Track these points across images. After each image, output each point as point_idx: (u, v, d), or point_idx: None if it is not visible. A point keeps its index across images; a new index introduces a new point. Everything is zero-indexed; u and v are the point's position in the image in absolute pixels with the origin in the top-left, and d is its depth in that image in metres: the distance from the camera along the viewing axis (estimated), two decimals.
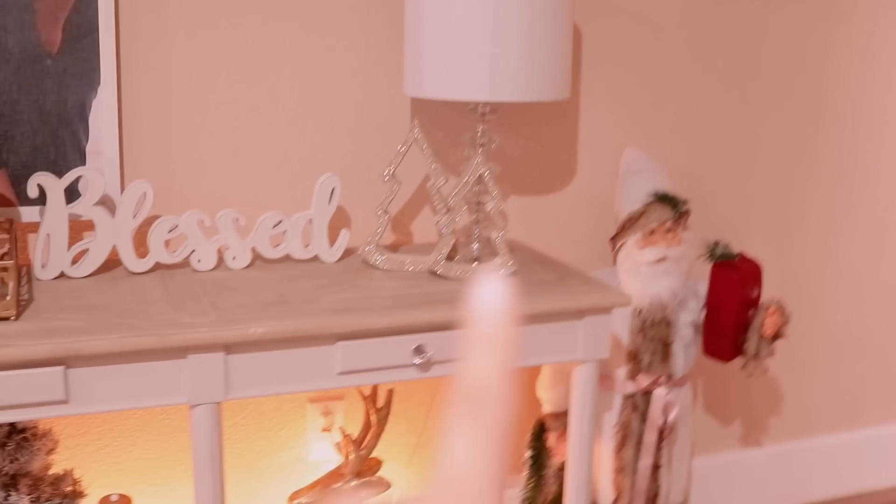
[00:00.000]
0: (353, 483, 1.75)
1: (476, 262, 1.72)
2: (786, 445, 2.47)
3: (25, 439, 1.49)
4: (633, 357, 1.89)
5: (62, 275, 1.56)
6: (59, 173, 1.55)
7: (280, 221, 1.68)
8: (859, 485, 2.57)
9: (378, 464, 1.81)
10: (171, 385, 1.37)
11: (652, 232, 1.83)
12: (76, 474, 1.58)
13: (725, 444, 2.41)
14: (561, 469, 1.93)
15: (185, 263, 1.65)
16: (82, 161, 1.65)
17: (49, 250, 1.55)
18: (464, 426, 0.32)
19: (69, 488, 1.56)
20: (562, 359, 1.65)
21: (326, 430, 1.89)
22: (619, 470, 1.92)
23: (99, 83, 1.64)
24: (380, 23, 1.84)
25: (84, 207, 1.56)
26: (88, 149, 1.66)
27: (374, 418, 1.75)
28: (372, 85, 1.86)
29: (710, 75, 2.17)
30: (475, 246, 1.76)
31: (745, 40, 2.18)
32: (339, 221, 1.79)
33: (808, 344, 2.42)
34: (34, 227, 1.60)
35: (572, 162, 2.07)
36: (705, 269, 1.95)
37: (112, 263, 1.61)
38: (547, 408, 1.95)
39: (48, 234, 1.54)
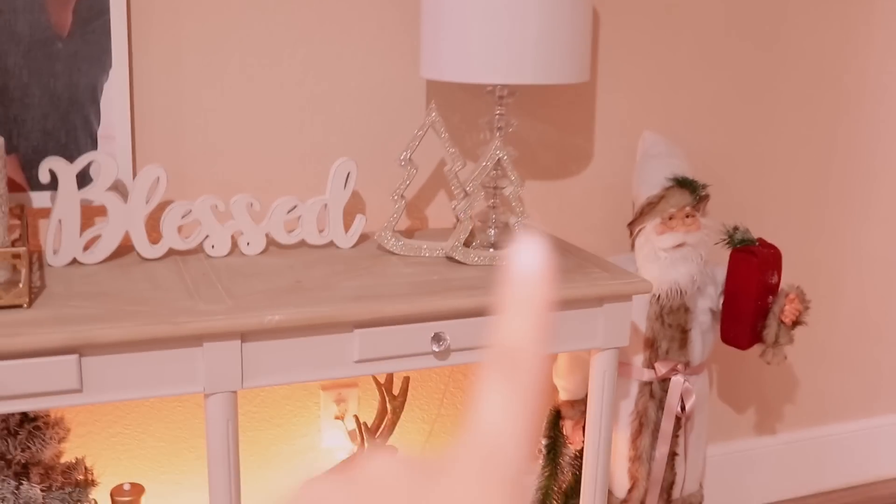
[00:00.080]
0: None
1: (493, 248, 1.70)
2: (801, 433, 2.45)
3: (37, 427, 1.47)
4: (651, 344, 1.86)
5: (74, 261, 1.54)
6: (71, 158, 1.52)
7: (295, 206, 1.66)
8: (875, 473, 2.55)
9: (392, 451, 1.79)
10: (187, 373, 1.34)
11: (671, 217, 1.80)
12: (88, 463, 1.57)
13: (740, 431, 2.38)
14: (576, 457, 1.91)
15: (198, 249, 1.62)
16: (94, 145, 1.63)
17: (61, 236, 1.52)
18: (497, 385, 0.32)
19: (81, 477, 1.54)
20: (581, 347, 1.63)
21: (339, 417, 1.87)
22: (635, 458, 1.90)
23: (110, 66, 1.61)
24: (395, 4, 1.81)
25: (96, 193, 1.53)
26: (100, 133, 1.63)
27: (389, 406, 1.73)
28: (387, 68, 1.83)
29: (729, 58, 2.13)
30: (492, 231, 1.73)
31: (764, 23, 2.15)
32: (354, 206, 1.76)
33: (824, 331, 2.39)
34: (45, 212, 1.58)
35: (589, 146, 2.04)
36: (724, 254, 1.92)
37: (124, 249, 1.58)
38: (563, 396, 1.93)
39: (60, 220, 1.52)
